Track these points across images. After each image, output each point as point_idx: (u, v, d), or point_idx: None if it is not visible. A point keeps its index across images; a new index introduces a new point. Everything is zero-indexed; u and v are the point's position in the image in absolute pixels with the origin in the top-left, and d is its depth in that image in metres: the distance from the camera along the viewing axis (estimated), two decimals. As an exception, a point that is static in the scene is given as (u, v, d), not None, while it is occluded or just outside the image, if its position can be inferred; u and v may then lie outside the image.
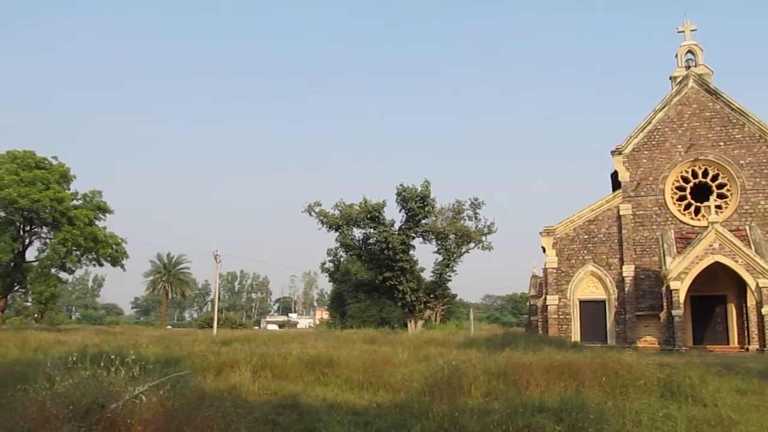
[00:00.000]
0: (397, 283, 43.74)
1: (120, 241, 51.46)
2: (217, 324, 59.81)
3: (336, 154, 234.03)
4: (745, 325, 35.07)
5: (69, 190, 49.61)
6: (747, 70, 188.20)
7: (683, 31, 41.36)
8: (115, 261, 51.58)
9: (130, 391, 7.38)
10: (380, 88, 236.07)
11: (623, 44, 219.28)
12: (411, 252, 44.67)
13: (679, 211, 38.60)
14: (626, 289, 37.94)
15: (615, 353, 16.37)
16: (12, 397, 7.52)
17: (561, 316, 39.13)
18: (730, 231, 33.71)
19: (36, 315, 78.73)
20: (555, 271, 39.78)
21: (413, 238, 44.54)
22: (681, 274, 33.15)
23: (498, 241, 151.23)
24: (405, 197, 43.33)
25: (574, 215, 40.29)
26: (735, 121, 38.40)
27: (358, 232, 45.67)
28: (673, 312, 33.10)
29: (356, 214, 43.90)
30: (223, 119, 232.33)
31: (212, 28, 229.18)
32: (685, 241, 34.96)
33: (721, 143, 38.39)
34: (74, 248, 47.88)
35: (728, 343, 36.07)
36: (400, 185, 43.41)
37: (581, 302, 39.30)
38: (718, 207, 36.11)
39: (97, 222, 50.22)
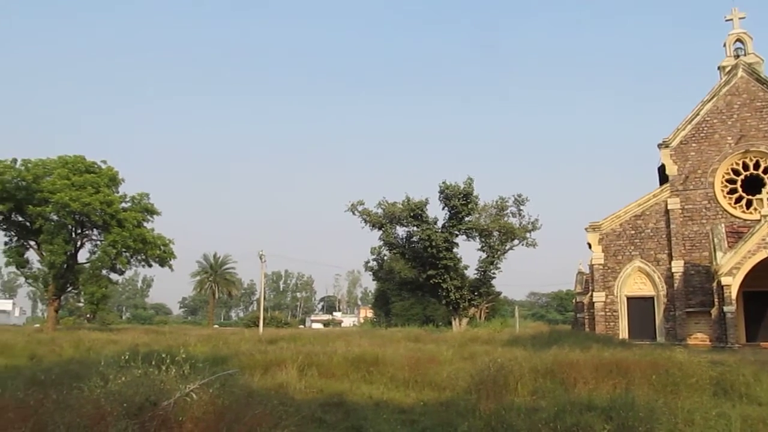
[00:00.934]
0: (440, 281, 43.67)
1: (167, 242, 52.40)
2: (263, 323, 60.58)
3: (380, 153, 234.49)
4: (801, 321, 34.08)
5: (118, 193, 50.72)
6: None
7: (731, 20, 40.25)
8: (163, 262, 52.55)
9: (181, 389, 7.52)
10: (423, 87, 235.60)
11: (669, 35, 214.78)
12: (454, 250, 44.61)
13: (730, 204, 37.57)
14: (675, 285, 37.10)
15: (665, 351, 16.07)
16: (68, 395, 7.73)
17: (608, 313, 38.49)
18: (785, 224, 32.70)
19: (88, 315, 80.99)
20: (601, 267, 39.15)
21: (456, 235, 44.42)
22: (733, 269, 32.30)
23: (542, 238, 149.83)
24: (448, 195, 43.22)
25: (620, 210, 39.58)
26: (788, 111, 37.23)
27: (401, 231, 45.82)
28: (725, 308, 32.26)
29: (399, 213, 43.97)
30: (270, 119, 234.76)
31: (261, 25, 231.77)
32: (737, 235, 34.04)
33: (773, 134, 37.27)
34: (124, 250, 48.94)
35: (783, 340, 35.02)
36: (443, 183, 43.38)
37: (629, 299, 38.59)
38: (771, 200, 35.07)
39: (145, 224, 51.24)
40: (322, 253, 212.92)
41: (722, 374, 12.95)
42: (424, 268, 44.28)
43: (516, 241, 44.98)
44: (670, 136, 39.04)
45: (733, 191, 37.80)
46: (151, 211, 52.35)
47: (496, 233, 44.60)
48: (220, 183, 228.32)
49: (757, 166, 37.52)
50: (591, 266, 40.20)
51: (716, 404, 10.84)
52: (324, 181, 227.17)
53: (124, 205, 50.46)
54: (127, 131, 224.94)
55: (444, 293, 44.51)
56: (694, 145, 38.64)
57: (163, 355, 9.01)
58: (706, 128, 38.57)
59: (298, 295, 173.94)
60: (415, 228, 44.37)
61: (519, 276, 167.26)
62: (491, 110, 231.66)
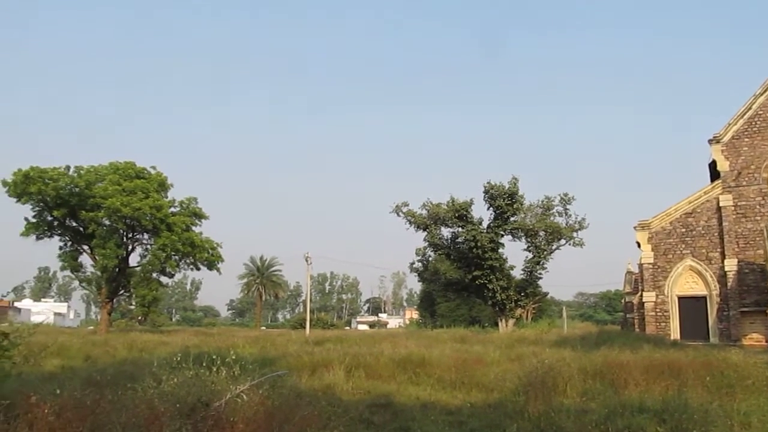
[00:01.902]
0: (486, 281, 43.40)
1: (215, 245, 53.18)
2: (309, 324, 61.08)
3: (423, 154, 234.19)
4: None
5: (167, 197, 51.71)
6: None
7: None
8: (211, 265, 53.36)
9: (232, 389, 7.65)
10: (468, 87, 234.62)
11: (719, 26, 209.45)
12: (500, 250, 44.27)
13: (785, 200, 36.47)
14: (729, 284, 36.15)
15: (719, 352, 15.71)
16: (123, 395, 7.93)
17: (659, 314, 37.74)
18: (844, 220, 31.61)
19: (139, 317, 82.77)
20: (651, 266, 38.41)
21: (502, 235, 44.10)
22: (789, 267, 31.37)
23: (590, 237, 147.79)
24: (493, 195, 42.95)
25: (670, 208, 38.76)
26: None
27: (446, 232, 45.69)
28: (782, 307, 31.36)
29: (444, 214, 43.86)
30: (316, 121, 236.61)
31: (303, 28, 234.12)
32: (793, 232, 33.03)
33: (831, 127, 36.04)
34: (173, 253, 49.86)
35: None
36: (488, 183, 43.11)
37: (680, 298, 37.77)
38: (829, 195, 33.93)
39: (193, 227, 52.11)
40: (367, 255, 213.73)
41: (781, 376, 12.59)
42: (469, 268, 44.07)
43: (563, 241, 44.42)
44: (721, 131, 38.08)
45: (788, 187, 36.68)
46: (199, 215, 53.22)
47: (542, 233, 44.12)
48: (266, 186, 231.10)
49: (813, 160, 36.34)
50: (640, 265, 39.48)
51: (774, 407, 10.53)
52: (369, 183, 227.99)
53: (173, 209, 51.39)
54: (173, 135, 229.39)
55: (490, 294, 44.22)
56: (746, 139, 37.62)
57: (213, 357, 9.18)
58: (759, 122, 37.52)
59: (344, 296, 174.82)
60: (460, 229, 44.19)
61: (566, 276, 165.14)
62: (536, 109, 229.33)
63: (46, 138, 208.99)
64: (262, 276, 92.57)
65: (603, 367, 14.05)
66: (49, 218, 48.18)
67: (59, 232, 50.14)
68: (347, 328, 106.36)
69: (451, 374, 15.07)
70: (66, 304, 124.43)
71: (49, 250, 60.42)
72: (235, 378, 8.54)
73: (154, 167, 51.75)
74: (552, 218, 44.32)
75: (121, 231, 49.90)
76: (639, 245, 39.15)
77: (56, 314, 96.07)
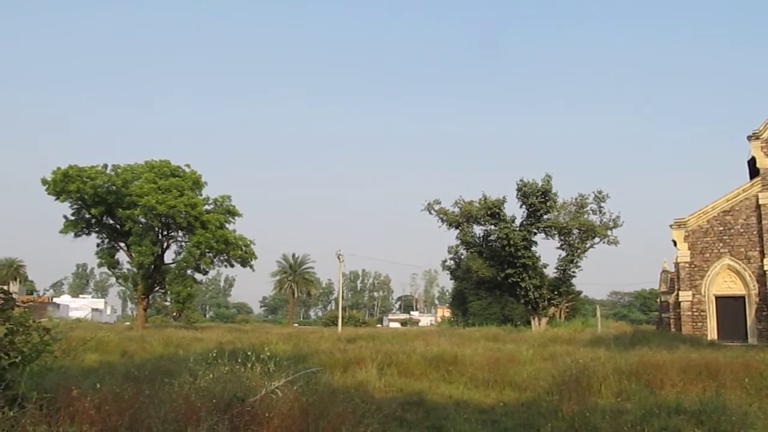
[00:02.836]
0: (519, 279, 43.11)
1: (249, 242, 53.77)
2: (342, 322, 61.29)
3: (456, 152, 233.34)
4: None
5: (201, 195, 52.40)
6: None
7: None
8: (245, 262, 53.98)
9: (267, 385, 7.74)
10: (502, 85, 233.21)
11: (758, 22, 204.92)
12: (533, 248, 43.91)
13: (826, 198, 35.58)
14: (768, 283, 35.43)
15: (758, 353, 15.42)
16: (160, 390, 8.06)
17: (695, 313, 37.12)
18: None
19: (174, 314, 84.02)
20: (687, 265, 37.78)
21: (535, 234, 43.76)
22: (831, 267, 30.62)
23: (624, 235, 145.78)
24: (525, 192, 42.62)
25: (707, 206, 38.08)
26: None
27: (478, 229, 45.46)
28: (823, 308, 30.64)
29: (476, 211, 43.66)
30: (352, 118, 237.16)
31: (343, 20, 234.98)
32: (836, 231, 32.23)
33: None
34: (207, 250, 50.55)
35: None
36: (521, 180, 42.76)
37: (717, 298, 37.09)
38: None
39: (227, 225, 52.73)
40: (399, 253, 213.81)
41: (821, 378, 12.32)
42: (502, 266, 43.81)
43: (596, 239, 43.88)
44: (761, 127, 37.27)
45: (830, 184, 35.77)
46: (232, 213, 53.83)
47: (575, 231, 43.65)
48: (299, 183, 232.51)
49: None
50: (676, 264, 38.86)
51: (815, 409, 10.31)
52: (401, 180, 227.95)
53: (207, 207, 52.10)
54: (209, 132, 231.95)
55: (522, 292, 43.92)
56: (787, 135, 36.76)
57: (248, 353, 9.29)
58: (800, 117, 36.60)
59: (376, 294, 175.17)
60: (492, 227, 43.94)
61: (600, 275, 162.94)
62: (567, 106, 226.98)
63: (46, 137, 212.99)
64: (294, 273, 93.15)
65: (638, 367, 13.90)
66: (87, 216, 49.20)
67: (97, 229, 51.15)
68: (379, 325, 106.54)
69: (484, 373, 15.03)
70: (103, 300, 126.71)
71: (87, 248, 61.92)
72: (269, 374, 8.64)
73: (188, 165, 52.55)
74: (586, 216, 43.80)
75: (157, 228, 50.72)
76: (675, 244, 38.55)
77: (94, 310, 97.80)
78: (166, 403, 7.21)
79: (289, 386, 7.94)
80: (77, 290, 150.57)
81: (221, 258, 53.37)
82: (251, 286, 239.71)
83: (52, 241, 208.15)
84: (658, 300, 55.50)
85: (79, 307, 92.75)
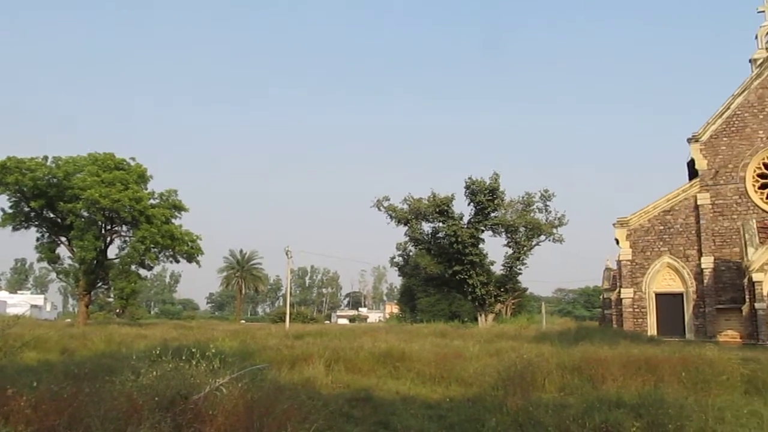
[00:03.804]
0: (466, 276, 43.55)
1: (195, 238, 52.82)
2: (290, 318, 60.94)
3: (405, 148, 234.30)
4: (836, 318, 33.46)
5: (146, 189, 51.29)
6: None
7: (763, 12, 39.56)
8: (191, 257, 53.05)
9: (211, 383, 7.63)
10: (449, 81, 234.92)
11: (700, 27, 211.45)
12: (480, 245, 44.42)
13: (762, 199, 36.95)
14: (705, 281, 36.62)
15: (695, 348, 15.90)
16: (101, 388, 7.88)
17: (636, 310, 38.14)
18: (818, 220, 32.13)
19: (118, 310, 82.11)
20: (629, 263, 38.79)
21: (482, 231, 44.24)
22: (764, 265, 31.82)
23: (569, 234, 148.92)
24: (474, 190, 43.05)
25: (648, 206, 39.15)
26: (821, 103, 36.49)
27: (427, 226, 45.73)
28: (756, 305, 31.80)
29: (425, 209, 43.90)
30: (296, 114, 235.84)
31: (295, 19, 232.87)
32: (769, 230, 33.52)
33: (807, 127, 36.55)
34: (152, 246, 49.44)
35: (817, 338, 34.39)
36: (469, 178, 43.17)
37: (657, 295, 38.19)
38: (804, 195, 34.49)
39: (173, 220, 51.71)
40: (347, 249, 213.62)
41: (754, 372, 12.79)
42: (449, 263, 44.18)
43: (542, 237, 44.63)
44: (700, 130, 38.50)
45: (764, 186, 37.19)
46: (179, 208, 52.84)
47: (522, 229, 44.30)
48: (247, 179, 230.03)
49: (790, 160, 36.88)
50: (619, 262, 39.85)
51: (748, 402, 10.70)
52: (351, 176, 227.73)
53: (152, 201, 50.99)
54: (155, 128, 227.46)
55: (470, 289, 44.38)
56: (724, 139, 38.07)
57: (193, 350, 9.14)
58: (737, 122, 37.97)
59: (324, 290, 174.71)
60: (440, 224, 44.26)
61: (545, 272, 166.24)
62: (517, 107, 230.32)
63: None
64: (242, 269, 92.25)
65: (581, 362, 14.18)
66: (26, 209, 47.61)
67: (36, 223, 49.53)
68: (327, 322, 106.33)
69: (431, 369, 15.13)
70: (43, 296, 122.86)
71: (26, 242, 59.76)
72: (214, 371, 8.51)
73: (133, 158, 51.30)
74: (532, 214, 44.50)
75: (100, 223, 49.41)
76: (618, 242, 39.52)
77: (33, 306, 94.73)
78: (106, 402, 7.05)
79: (234, 383, 7.84)
80: (15, 286, 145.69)
81: (167, 253, 52.27)
82: (198, 282, 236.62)
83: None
84: (601, 297, 56.70)
85: (18, 303, 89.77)
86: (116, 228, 51.55)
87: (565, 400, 10.84)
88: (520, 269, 46.06)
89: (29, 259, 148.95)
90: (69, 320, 62.77)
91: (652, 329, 37.10)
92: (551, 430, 8.25)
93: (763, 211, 36.44)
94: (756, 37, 39.55)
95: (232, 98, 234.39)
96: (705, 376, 12.55)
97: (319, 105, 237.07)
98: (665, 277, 38.28)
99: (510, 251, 45.04)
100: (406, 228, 45.33)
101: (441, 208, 43.47)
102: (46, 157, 48.03)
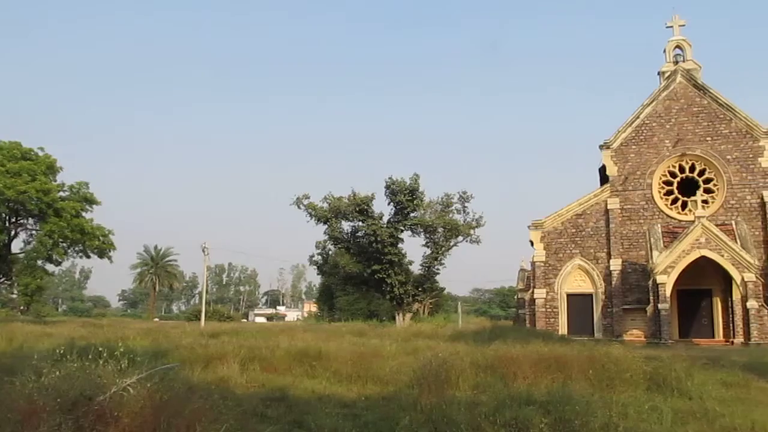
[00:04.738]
0: (385, 276, 43.74)
1: (107, 232, 51.14)
2: (205, 316, 59.80)
3: (327, 148, 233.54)
4: (731, 319, 35.58)
5: (56, 181, 49.24)
6: (736, 64, 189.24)
7: (672, 27, 41.51)
8: (102, 253, 51.32)
9: (118, 383, 7.36)
10: (370, 83, 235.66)
11: (612, 38, 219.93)
12: (399, 245, 44.67)
13: (666, 205, 38.81)
14: (613, 282, 38.14)
15: (602, 346, 16.44)
16: (0, 390, 7.48)
17: (548, 310, 39.32)
18: (717, 226, 33.97)
19: (22, 307, 78.28)
20: (543, 264, 39.95)
21: (402, 231, 44.52)
22: (668, 268, 33.40)
23: (486, 235, 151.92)
24: (394, 190, 43.27)
25: (562, 209, 40.44)
26: (722, 116, 38.60)
27: (346, 225, 45.65)
28: (660, 306, 33.36)
29: (345, 207, 43.82)
30: (215, 112, 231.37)
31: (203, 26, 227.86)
32: (672, 235, 35.21)
33: (708, 138, 38.59)
34: (61, 240, 47.54)
35: (714, 337, 36.37)
36: (389, 178, 43.35)
37: (569, 296, 39.51)
38: (705, 202, 36.42)
39: (84, 214, 49.86)
40: (266, 247, 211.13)
41: (656, 369, 13.33)
42: (369, 262, 44.27)
43: (460, 238, 45.29)
44: (612, 137, 40.07)
45: (669, 193, 39.07)
46: (90, 201, 50.97)
47: (440, 229, 44.83)
48: (164, 174, 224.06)
49: (692, 169, 38.88)
50: (533, 263, 40.99)
51: (649, 398, 11.17)
52: (271, 174, 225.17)
53: (62, 194, 49.01)
54: (67, 118, 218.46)
55: (388, 288, 44.60)
56: (633, 147, 39.76)
57: (101, 349, 8.80)
58: (645, 131, 39.73)
59: (242, 288, 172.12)
60: (360, 223, 44.30)
61: (463, 272, 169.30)
62: (439, 108, 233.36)
63: None
64: (156, 266, 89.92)
65: (494, 360, 14.45)
66: None
67: (-66, 214, 46.84)
68: (244, 320, 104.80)
69: (348, 367, 15.10)
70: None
71: None
72: (122, 371, 8.22)
73: (42, 149, 49.15)
74: (451, 215, 45.10)
75: (4, 215, 47.12)
76: (532, 244, 40.64)
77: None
78: (4, 403, 6.69)
79: (143, 383, 7.58)
80: None
81: (76, 248, 50.36)
82: (110, 278, 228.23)
83: None
84: (516, 297, 58.24)
85: None
86: (22, 221, 49.41)
87: (477, 398, 11.02)
88: (437, 269, 46.63)
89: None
90: (-32, 318, 59.41)
91: (563, 328, 38.35)
92: (463, 427, 8.36)
93: (668, 216, 38.28)
94: (664, 51, 41.44)
95: (155, 91, 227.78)
96: (610, 374, 12.99)
97: (241, 101, 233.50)
98: (576, 278, 39.65)
99: (428, 251, 45.54)
100: (326, 226, 45.15)
101: (361, 207, 43.51)
102: (-54, 145, 45.49)
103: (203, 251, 58.67)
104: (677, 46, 41.20)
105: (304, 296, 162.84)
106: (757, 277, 32.90)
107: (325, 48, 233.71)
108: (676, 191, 38.94)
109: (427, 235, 45.21)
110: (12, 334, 25.12)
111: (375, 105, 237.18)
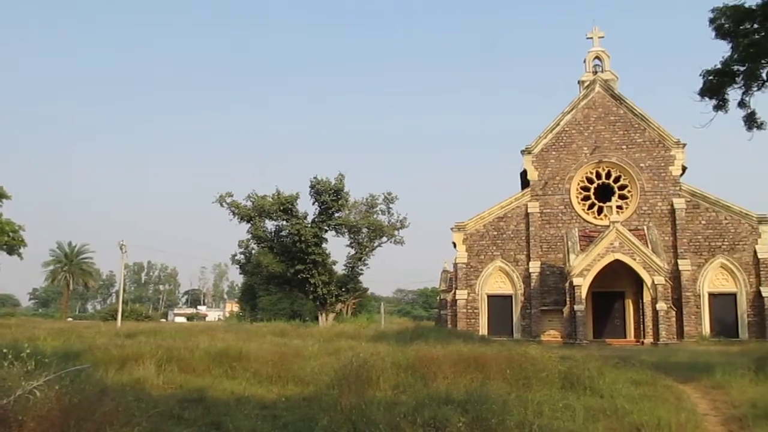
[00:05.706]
0: (308, 276, 43.54)
1: (17, 228, 48.97)
2: (122, 316, 57.88)
3: (249, 146, 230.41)
4: (641, 320, 37.16)
5: (-39, 173, 46.85)
6: (651, 76, 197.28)
7: (592, 38, 42.96)
8: (12, 249, 49.13)
9: (24, 386, 7.05)
10: (295, 80, 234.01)
11: (537, 45, 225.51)
12: (323, 245, 44.57)
13: (584, 210, 40.12)
14: (532, 284, 39.10)
15: (520, 347, 16.85)
16: None
17: (470, 311, 39.95)
18: (630, 231, 35.32)
19: None
20: (465, 266, 40.57)
21: (326, 231, 44.43)
22: (583, 270, 34.51)
23: (410, 236, 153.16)
24: (318, 190, 43.12)
25: (484, 212, 41.18)
26: (637, 125, 40.22)
27: (270, 224, 45.21)
28: (576, 307, 34.44)
29: (269, 206, 43.38)
30: (139, 109, 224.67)
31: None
32: (588, 239, 36.37)
33: (624, 146, 40.13)
34: (-34, 235, 45.25)
35: (626, 337, 37.82)
36: (314, 178, 43.18)
37: (489, 297, 40.25)
38: (619, 207, 37.79)
39: (-8, 208, 47.57)
40: (188, 245, 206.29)
41: (570, 369, 13.74)
42: (292, 262, 43.95)
43: (384, 239, 45.58)
44: (533, 143, 41.11)
45: (586, 198, 40.41)
46: (0, 195, 48.65)
47: (365, 230, 45.00)
48: (80, 170, 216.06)
49: (608, 175, 40.34)
50: (455, 265, 41.58)
51: (563, 396, 11.51)
52: (191, 172, 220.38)
53: (-32, 187, 46.58)
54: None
55: (312, 288, 44.41)
56: (554, 153, 40.92)
57: (5, 350, 8.42)
58: (565, 138, 40.97)
59: (161, 287, 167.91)
60: (284, 222, 43.95)
61: (386, 273, 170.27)
62: (363, 109, 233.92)
63: None
64: (70, 263, 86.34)
65: (415, 360, 14.58)
66: None
67: None
68: (163, 320, 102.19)
69: (268, 368, 14.94)
70: None
71: None
72: (29, 373, 7.88)
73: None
74: (375, 216, 45.33)
75: None
76: (455, 246, 41.22)
77: None
78: None
79: (51, 386, 7.28)
80: None
81: (-17, 245, 48.01)
82: (20, 276, 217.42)
83: None
84: (439, 298, 58.98)
85: None
86: None
87: (397, 398, 11.10)
88: (361, 269, 46.79)
89: None
90: None
91: (483, 329, 39.03)
92: (382, 427, 8.40)
93: (585, 221, 39.57)
94: (584, 61, 42.83)
95: (76, 88, 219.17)
96: (527, 373, 13.32)
97: (167, 101, 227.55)
98: (497, 279, 40.47)
99: (352, 252, 45.62)
100: (249, 225, 44.59)
101: (285, 207, 43.16)
102: None
103: (121, 249, 56.86)
104: (596, 57, 42.64)
105: (226, 296, 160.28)
106: (666, 280, 34.45)
107: (318, 51, 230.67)
108: (592, 197, 40.29)
109: (352, 236, 45.29)
110: None
111: (297, 104, 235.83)
